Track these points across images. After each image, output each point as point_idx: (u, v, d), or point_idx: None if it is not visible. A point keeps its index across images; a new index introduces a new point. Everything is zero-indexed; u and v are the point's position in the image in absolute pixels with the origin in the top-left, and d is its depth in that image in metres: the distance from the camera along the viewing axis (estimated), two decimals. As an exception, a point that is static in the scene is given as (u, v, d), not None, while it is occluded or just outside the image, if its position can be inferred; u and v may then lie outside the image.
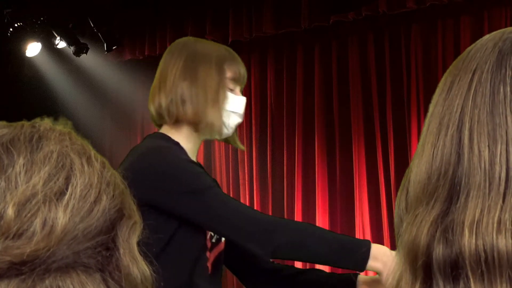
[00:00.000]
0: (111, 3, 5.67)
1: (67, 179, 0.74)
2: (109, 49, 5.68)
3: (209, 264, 2.04)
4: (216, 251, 2.08)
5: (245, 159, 6.03)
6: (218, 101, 2.05)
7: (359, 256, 1.89)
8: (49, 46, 5.84)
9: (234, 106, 2.09)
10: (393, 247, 4.74)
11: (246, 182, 6.00)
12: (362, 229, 5.48)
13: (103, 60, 6.28)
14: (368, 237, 5.43)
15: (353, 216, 5.56)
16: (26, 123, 0.80)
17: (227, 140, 2.21)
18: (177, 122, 2.08)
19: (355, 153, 5.58)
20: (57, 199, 0.72)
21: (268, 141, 5.99)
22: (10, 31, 5.53)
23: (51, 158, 0.75)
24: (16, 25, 5.50)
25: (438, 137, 0.73)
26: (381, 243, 5.35)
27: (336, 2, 5.24)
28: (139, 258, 0.78)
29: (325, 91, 5.81)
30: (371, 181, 5.50)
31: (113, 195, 0.77)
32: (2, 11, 5.37)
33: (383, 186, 5.42)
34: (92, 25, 5.54)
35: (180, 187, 1.88)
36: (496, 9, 5.19)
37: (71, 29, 5.67)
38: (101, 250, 0.74)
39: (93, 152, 0.79)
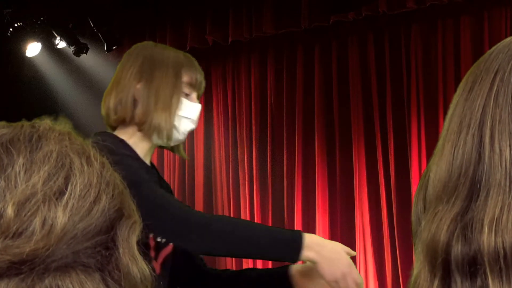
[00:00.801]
0: (111, 3, 5.67)
1: (67, 179, 0.74)
2: (109, 49, 5.68)
3: (156, 265, 2.01)
4: (164, 252, 2.05)
5: (245, 159, 6.02)
6: (170, 105, 2.04)
7: (292, 247, 1.85)
8: (49, 46, 5.84)
9: (188, 111, 2.08)
10: (393, 247, 4.74)
11: (246, 182, 6.00)
12: (362, 229, 5.48)
13: (103, 60, 6.28)
14: (368, 237, 5.43)
15: (353, 216, 5.56)
16: (25, 123, 0.80)
17: (172, 149, 2.18)
18: (125, 123, 2.06)
19: (355, 153, 5.58)
20: (56, 199, 0.72)
21: (268, 141, 5.99)
22: (10, 31, 5.53)
23: (50, 157, 0.75)
24: (16, 25, 5.50)
25: (459, 136, 0.73)
26: (381, 242, 5.35)
27: (336, 2, 5.25)
28: (139, 257, 0.78)
29: (325, 91, 5.80)
30: (371, 181, 5.50)
31: (113, 195, 0.77)
32: (2, 11, 5.37)
33: (383, 186, 5.42)
34: (92, 25, 5.54)
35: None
36: (496, 9, 5.19)
37: (71, 29, 5.67)
38: (100, 249, 0.74)
39: (92, 152, 0.79)
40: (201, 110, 2.16)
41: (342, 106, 5.72)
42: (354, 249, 5.47)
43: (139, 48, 2.15)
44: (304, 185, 5.78)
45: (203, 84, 2.14)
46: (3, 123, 0.80)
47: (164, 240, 2.03)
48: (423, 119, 5.32)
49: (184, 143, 2.22)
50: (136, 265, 0.77)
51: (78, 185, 0.74)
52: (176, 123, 2.06)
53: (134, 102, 2.06)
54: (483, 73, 0.75)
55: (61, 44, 5.77)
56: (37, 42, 5.71)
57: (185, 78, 2.08)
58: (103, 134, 2.07)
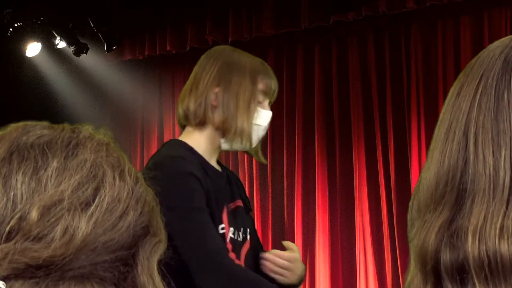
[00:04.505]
0: (111, 3, 5.68)
1: (96, 190, 0.74)
2: (109, 49, 5.68)
3: (240, 262, 2.08)
4: (244, 249, 2.11)
5: (245, 159, 6.02)
6: (249, 111, 2.11)
7: None
8: (49, 46, 5.84)
9: (261, 119, 2.15)
10: (393, 246, 4.73)
11: (246, 182, 6.00)
12: (362, 229, 5.48)
13: (103, 60, 6.28)
14: (368, 237, 5.43)
15: (353, 216, 5.56)
16: (67, 127, 0.80)
17: (250, 153, 2.26)
18: (201, 124, 2.13)
19: (355, 153, 5.58)
20: (82, 209, 0.72)
21: (268, 141, 5.99)
22: (10, 31, 5.53)
23: (83, 166, 0.75)
24: (16, 25, 5.50)
25: (446, 143, 0.73)
26: (381, 242, 5.36)
27: (336, 2, 5.24)
28: (157, 277, 0.77)
29: (325, 91, 5.80)
30: (371, 181, 5.50)
31: (141, 212, 0.76)
32: (2, 11, 5.37)
33: (383, 186, 5.42)
34: (92, 25, 5.54)
35: (169, 202, 1.90)
36: (496, 9, 5.19)
37: (71, 29, 5.67)
38: (119, 265, 0.74)
39: (127, 166, 0.79)
40: None
41: (342, 106, 5.72)
42: (354, 249, 5.48)
43: (218, 52, 2.21)
44: (304, 185, 5.78)
45: (276, 91, 2.20)
46: (45, 123, 0.80)
47: (240, 237, 2.11)
48: (423, 119, 5.32)
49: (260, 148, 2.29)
50: (153, 285, 0.76)
51: (107, 198, 0.73)
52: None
53: (212, 105, 2.12)
54: (469, 79, 0.75)
55: (61, 44, 5.77)
56: (37, 42, 5.71)
57: (261, 85, 2.14)
58: (171, 145, 2.17)
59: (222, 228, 2.03)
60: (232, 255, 2.03)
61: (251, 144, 2.14)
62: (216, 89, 2.12)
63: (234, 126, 2.09)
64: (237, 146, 2.15)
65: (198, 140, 2.13)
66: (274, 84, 2.18)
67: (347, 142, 5.65)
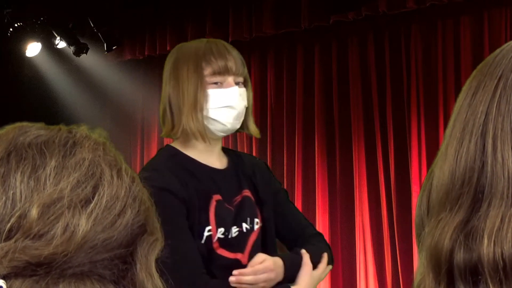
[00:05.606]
0: (111, 3, 5.67)
1: (95, 188, 0.74)
2: (109, 49, 5.68)
3: (246, 253, 2.03)
4: (252, 239, 2.05)
5: (245, 159, 6.02)
6: (197, 104, 1.98)
7: None
8: (49, 46, 5.84)
9: (221, 101, 2.00)
10: (393, 246, 4.71)
11: (246, 182, 5.99)
12: (362, 229, 5.48)
13: (103, 60, 6.28)
14: (368, 237, 5.43)
15: (353, 216, 5.56)
16: (63, 127, 0.80)
17: (242, 130, 2.16)
18: (175, 130, 2.03)
19: (355, 153, 5.58)
20: (81, 206, 0.72)
21: (268, 141, 5.99)
22: (10, 31, 5.53)
23: (82, 165, 0.75)
24: (16, 25, 5.50)
25: (462, 143, 0.72)
26: (381, 242, 5.36)
27: (336, 2, 5.24)
28: (156, 275, 0.78)
29: (325, 91, 5.80)
30: (371, 181, 5.50)
31: (138, 211, 0.77)
32: (2, 11, 5.37)
33: (383, 186, 5.42)
34: (92, 25, 5.54)
35: None
36: (496, 9, 5.19)
37: (71, 29, 5.67)
38: (118, 262, 0.74)
39: (124, 166, 0.79)
40: None
41: (342, 106, 5.71)
42: (354, 249, 5.48)
43: (174, 49, 2.11)
44: (304, 185, 5.78)
45: (232, 66, 2.01)
46: (41, 125, 0.80)
47: (245, 229, 2.04)
48: (423, 119, 5.32)
49: (247, 121, 2.17)
50: (152, 283, 0.77)
51: (105, 196, 0.74)
52: (214, 116, 2.00)
53: (171, 107, 2.02)
54: (486, 78, 0.74)
55: (61, 44, 5.77)
56: (37, 42, 5.71)
57: (207, 70, 2.00)
58: (162, 152, 2.08)
59: (209, 230, 1.95)
60: (221, 251, 1.98)
61: (204, 137, 1.99)
62: (169, 89, 2.02)
63: (179, 123, 1.98)
64: (212, 134, 2.04)
65: (186, 141, 2.04)
66: (222, 62, 1.99)
67: (347, 142, 5.65)
